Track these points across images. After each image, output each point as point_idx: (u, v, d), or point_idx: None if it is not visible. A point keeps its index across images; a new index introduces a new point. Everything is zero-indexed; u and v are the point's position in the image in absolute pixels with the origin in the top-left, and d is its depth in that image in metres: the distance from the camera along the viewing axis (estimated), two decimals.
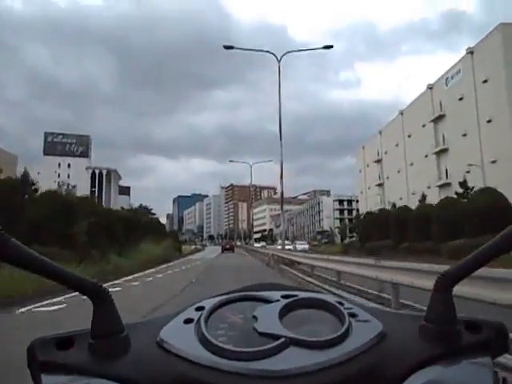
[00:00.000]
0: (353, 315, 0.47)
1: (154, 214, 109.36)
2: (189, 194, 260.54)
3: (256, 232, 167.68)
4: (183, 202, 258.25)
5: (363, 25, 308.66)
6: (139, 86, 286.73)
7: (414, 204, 36.49)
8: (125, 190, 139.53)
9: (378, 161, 69.53)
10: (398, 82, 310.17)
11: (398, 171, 61.02)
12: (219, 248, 52.87)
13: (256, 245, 61.76)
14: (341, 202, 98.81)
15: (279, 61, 22.85)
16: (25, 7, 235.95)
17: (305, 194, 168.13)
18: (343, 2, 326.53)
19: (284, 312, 0.47)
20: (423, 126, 52.76)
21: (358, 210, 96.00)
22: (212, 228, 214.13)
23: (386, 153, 66.49)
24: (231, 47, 22.60)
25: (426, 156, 52.47)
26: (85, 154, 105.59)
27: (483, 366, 0.40)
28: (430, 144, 51.15)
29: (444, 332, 0.43)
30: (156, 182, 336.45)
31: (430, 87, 52.11)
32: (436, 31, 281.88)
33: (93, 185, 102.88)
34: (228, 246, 50.27)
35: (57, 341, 0.43)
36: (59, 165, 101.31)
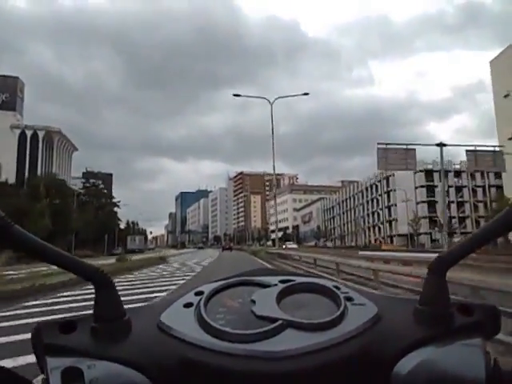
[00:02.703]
0: (349, 299, 0.48)
1: (110, 198, 71.67)
2: (193, 191, 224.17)
3: (273, 231, 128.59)
4: (187, 199, 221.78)
5: (377, 19, 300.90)
6: (147, 87, 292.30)
7: None
8: (107, 178, 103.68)
9: None
10: (412, 79, 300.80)
11: None
12: (213, 254, 44.07)
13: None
14: (428, 173, 58.69)
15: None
16: (30, 6, 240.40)
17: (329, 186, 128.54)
18: None
19: (281, 296, 0.48)
20: None
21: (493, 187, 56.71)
22: (218, 227, 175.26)
23: None
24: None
25: None
26: (10, 106, 67.05)
27: (475, 347, 0.41)
28: None
29: (437, 314, 0.43)
30: (163, 185, 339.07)
31: None
32: (453, 25, 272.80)
33: (22, 151, 63.99)
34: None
35: (60, 324, 0.43)
36: None
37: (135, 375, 0.40)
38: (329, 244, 71.17)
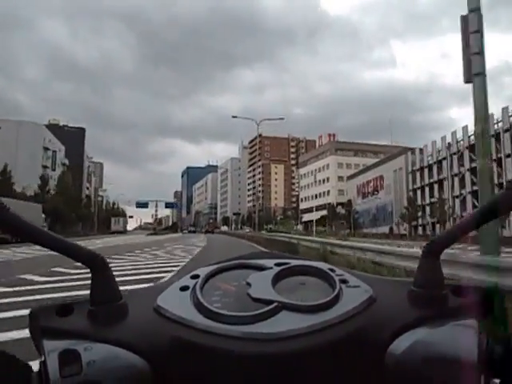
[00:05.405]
0: (343, 281, 0.48)
1: None
2: (202, 165, 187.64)
3: (305, 210, 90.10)
4: (195, 175, 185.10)
5: None
6: (159, 66, 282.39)
7: None
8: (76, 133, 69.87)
9: None
10: (433, 61, 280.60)
11: None
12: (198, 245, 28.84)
13: None
14: None
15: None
16: None
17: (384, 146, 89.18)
18: None
19: (277, 279, 0.49)
20: None
21: None
22: (229, 207, 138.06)
23: None
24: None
25: None
26: None
27: (469, 327, 0.41)
28: None
29: (431, 296, 0.44)
30: (176, 167, 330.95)
31: None
32: (482, 3, 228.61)
33: None
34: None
35: (57, 308, 0.44)
36: None
37: (132, 357, 0.40)
38: None
